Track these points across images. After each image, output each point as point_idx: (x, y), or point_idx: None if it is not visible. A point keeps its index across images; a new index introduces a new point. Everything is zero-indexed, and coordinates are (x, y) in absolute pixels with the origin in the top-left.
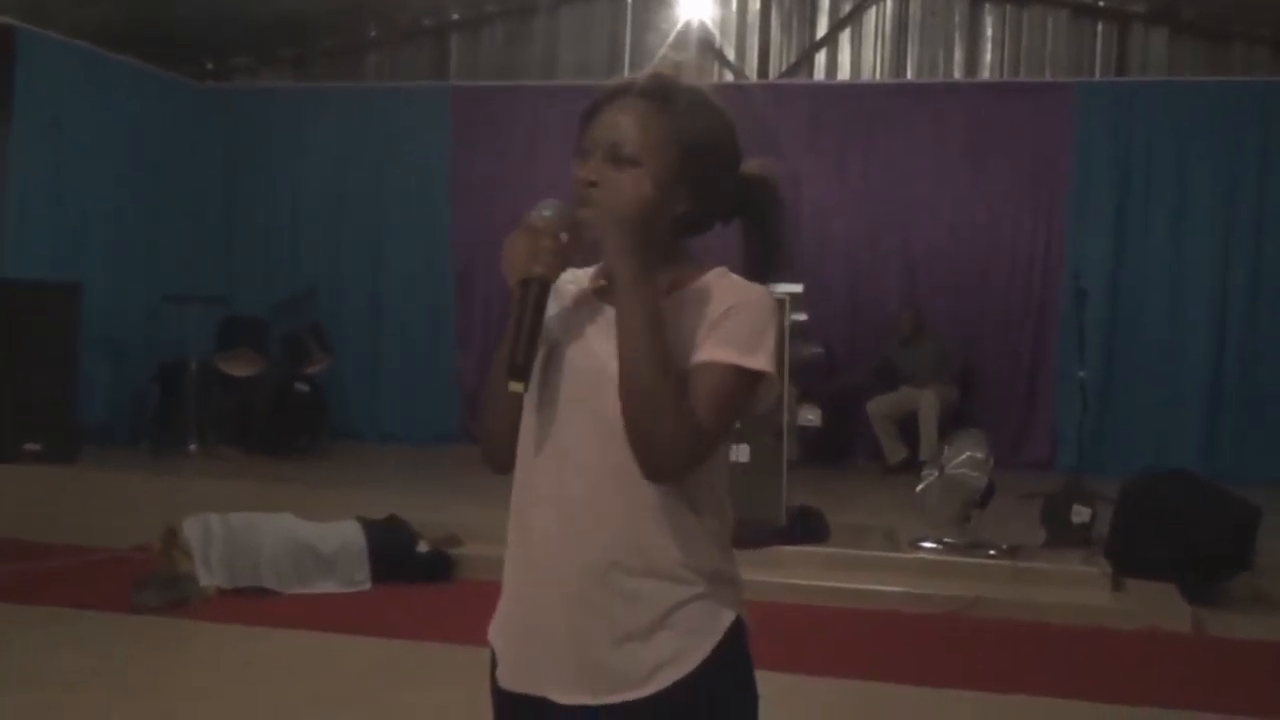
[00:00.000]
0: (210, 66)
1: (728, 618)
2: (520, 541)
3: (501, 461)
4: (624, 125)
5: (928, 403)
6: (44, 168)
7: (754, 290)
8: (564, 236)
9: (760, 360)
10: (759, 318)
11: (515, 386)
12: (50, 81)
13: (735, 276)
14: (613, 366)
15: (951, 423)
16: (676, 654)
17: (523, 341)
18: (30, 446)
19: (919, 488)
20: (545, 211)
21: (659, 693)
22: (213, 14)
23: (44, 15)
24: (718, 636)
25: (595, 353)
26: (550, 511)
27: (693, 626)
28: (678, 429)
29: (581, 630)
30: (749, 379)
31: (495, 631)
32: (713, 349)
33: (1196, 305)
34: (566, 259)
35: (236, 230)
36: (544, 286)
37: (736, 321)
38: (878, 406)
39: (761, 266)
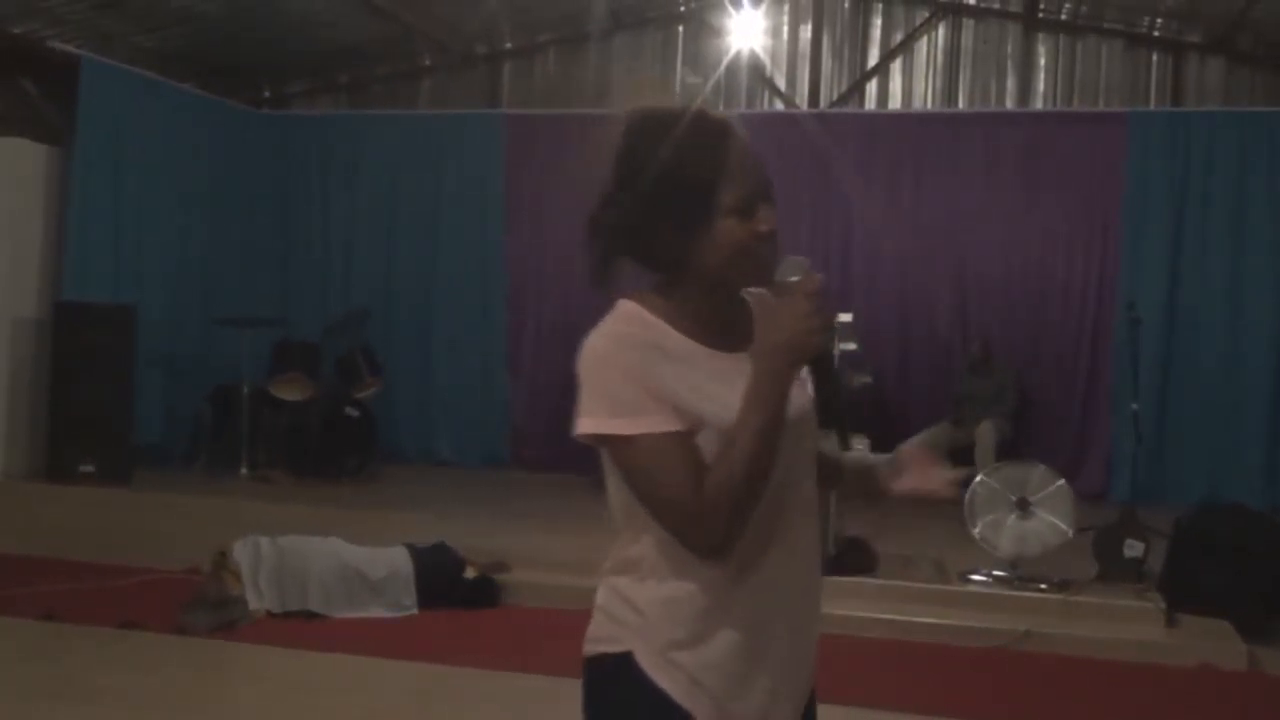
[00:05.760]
0: (267, 94)
1: None
2: (767, 634)
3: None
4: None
5: (985, 435)
6: (104, 192)
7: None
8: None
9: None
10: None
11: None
12: (112, 108)
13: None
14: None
15: (1005, 454)
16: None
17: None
18: (85, 467)
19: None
20: (799, 274)
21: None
22: (270, 42)
23: (107, 41)
24: None
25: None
26: (794, 603)
27: None
28: None
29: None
30: None
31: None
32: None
33: (1253, 335)
34: None
35: (291, 254)
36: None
37: None
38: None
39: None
